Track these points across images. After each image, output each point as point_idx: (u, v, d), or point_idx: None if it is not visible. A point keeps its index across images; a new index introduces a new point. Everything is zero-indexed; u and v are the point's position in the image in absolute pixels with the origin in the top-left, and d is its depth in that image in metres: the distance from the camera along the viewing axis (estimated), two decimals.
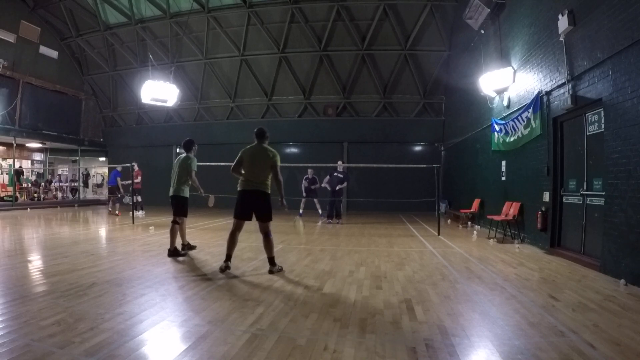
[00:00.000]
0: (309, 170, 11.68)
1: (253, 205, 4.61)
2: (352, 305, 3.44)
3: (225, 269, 4.58)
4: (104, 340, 2.56)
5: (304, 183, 11.71)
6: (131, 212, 10.78)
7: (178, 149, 17.85)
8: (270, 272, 4.60)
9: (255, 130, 4.83)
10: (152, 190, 16.67)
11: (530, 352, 2.47)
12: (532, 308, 3.37)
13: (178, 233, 5.68)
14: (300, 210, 11.95)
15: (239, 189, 4.63)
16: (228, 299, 3.55)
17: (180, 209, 5.71)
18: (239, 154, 4.74)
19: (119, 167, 13.14)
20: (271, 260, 4.68)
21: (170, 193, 5.72)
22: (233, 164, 4.75)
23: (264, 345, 2.54)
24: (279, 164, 4.67)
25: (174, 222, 5.65)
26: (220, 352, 2.44)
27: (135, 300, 3.45)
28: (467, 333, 2.81)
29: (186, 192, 5.77)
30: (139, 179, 12.57)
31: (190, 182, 5.75)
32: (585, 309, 3.37)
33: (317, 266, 5.09)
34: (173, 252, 5.53)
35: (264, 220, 4.62)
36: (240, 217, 4.65)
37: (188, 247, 5.93)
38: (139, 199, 12.62)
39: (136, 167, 12.53)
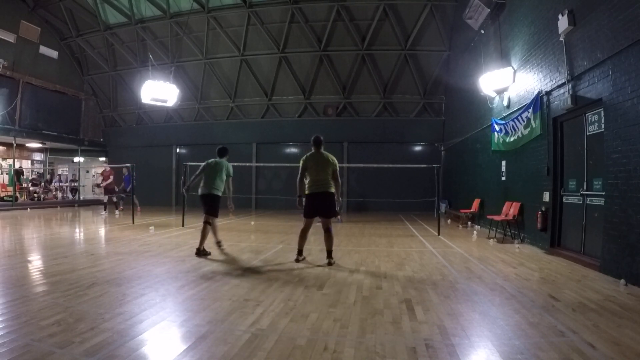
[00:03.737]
0: None
1: (321, 205, 5.14)
2: (352, 305, 3.44)
3: (300, 260, 5.27)
4: (104, 340, 2.56)
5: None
6: (131, 212, 10.80)
7: (178, 149, 17.96)
8: (329, 264, 5.11)
9: (313, 138, 5.31)
10: (153, 190, 16.73)
11: (530, 352, 2.47)
12: (532, 308, 3.37)
13: (209, 233, 5.76)
14: None
15: (307, 192, 5.18)
16: (228, 299, 3.55)
17: (214, 208, 5.78)
18: (302, 163, 5.23)
19: (125, 170, 13.36)
20: (329, 253, 5.22)
21: (205, 192, 5.76)
22: (299, 174, 5.23)
23: (264, 345, 2.54)
24: (338, 167, 5.24)
25: (207, 222, 5.73)
26: (220, 352, 2.44)
27: (135, 300, 3.45)
28: (467, 333, 2.81)
29: (220, 192, 5.87)
30: (110, 180, 12.69)
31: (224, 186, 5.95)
32: (585, 309, 3.37)
33: (316, 266, 5.08)
34: (202, 252, 5.62)
35: (329, 216, 5.20)
36: (310, 216, 5.23)
37: (219, 245, 6.09)
38: (114, 199, 12.82)
39: (108, 168, 12.70)
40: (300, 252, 5.36)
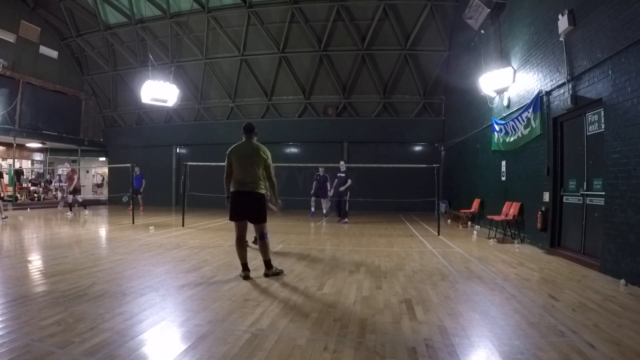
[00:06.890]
0: (320, 169, 11.76)
1: (246, 207, 4.31)
2: (352, 305, 3.44)
3: (246, 277, 4.30)
4: (104, 340, 2.56)
5: (315, 183, 11.82)
6: (131, 212, 10.81)
7: (178, 149, 17.99)
8: (266, 275, 4.42)
9: (244, 125, 4.53)
10: (153, 191, 16.72)
11: (530, 352, 2.46)
12: (532, 308, 3.37)
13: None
14: (312, 209, 12.16)
15: (231, 190, 4.34)
16: (228, 299, 3.55)
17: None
18: (227, 157, 4.36)
19: (137, 170, 13.41)
20: (267, 263, 4.47)
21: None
22: (225, 170, 4.38)
23: (264, 345, 2.54)
24: (271, 161, 4.43)
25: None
26: (220, 352, 2.44)
27: (135, 300, 3.45)
28: (467, 333, 2.81)
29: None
30: (75, 181, 12.60)
31: None
32: (585, 309, 3.37)
33: (317, 266, 5.09)
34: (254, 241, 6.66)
35: (258, 222, 4.38)
36: (237, 219, 4.34)
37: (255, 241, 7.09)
38: (79, 199, 12.82)
39: (69, 169, 12.78)
40: (244, 267, 4.36)
